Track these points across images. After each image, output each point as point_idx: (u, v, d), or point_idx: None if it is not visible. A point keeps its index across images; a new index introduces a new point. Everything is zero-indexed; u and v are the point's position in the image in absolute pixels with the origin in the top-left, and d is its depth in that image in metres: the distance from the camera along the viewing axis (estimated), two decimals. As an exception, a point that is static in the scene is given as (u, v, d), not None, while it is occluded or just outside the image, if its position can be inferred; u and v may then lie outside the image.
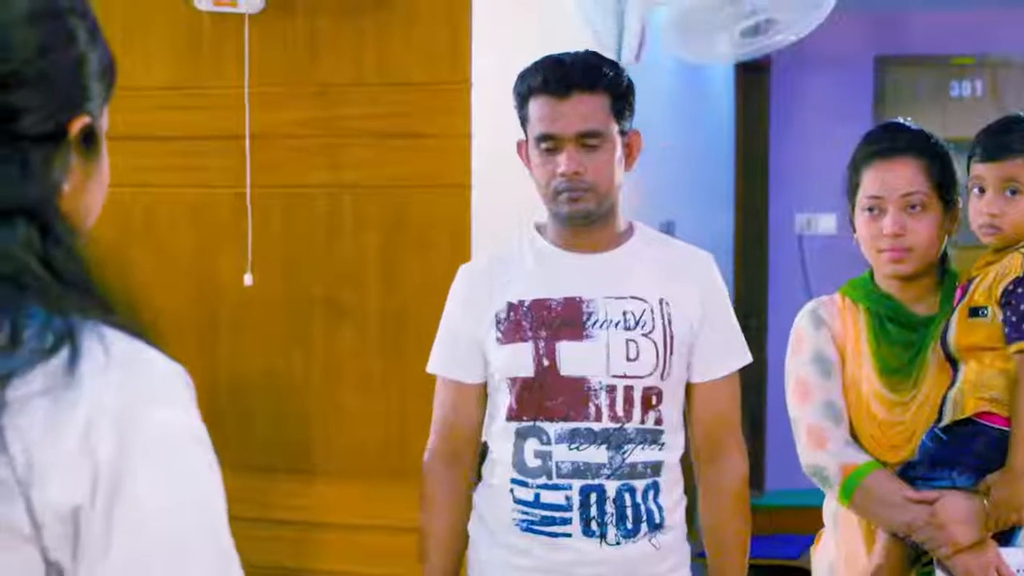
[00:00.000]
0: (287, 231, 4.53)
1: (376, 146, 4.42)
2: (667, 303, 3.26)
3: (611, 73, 3.25)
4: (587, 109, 3.19)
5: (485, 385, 3.37)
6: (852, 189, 3.35)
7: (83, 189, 1.66)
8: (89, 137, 1.66)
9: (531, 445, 3.25)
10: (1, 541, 1.49)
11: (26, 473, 1.48)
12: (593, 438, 3.21)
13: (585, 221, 3.26)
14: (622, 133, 3.26)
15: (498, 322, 3.29)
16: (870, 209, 3.28)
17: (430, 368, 3.44)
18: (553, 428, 3.22)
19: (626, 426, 3.22)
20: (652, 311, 3.25)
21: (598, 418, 3.21)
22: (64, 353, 1.52)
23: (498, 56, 4.38)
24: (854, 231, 3.37)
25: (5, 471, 1.48)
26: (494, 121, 4.34)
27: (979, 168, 3.20)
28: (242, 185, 4.50)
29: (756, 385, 7.66)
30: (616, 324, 3.23)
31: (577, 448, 3.20)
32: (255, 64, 4.48)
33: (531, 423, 3.25)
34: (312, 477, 4.53)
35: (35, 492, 1.49)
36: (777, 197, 8.97)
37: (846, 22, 6.82)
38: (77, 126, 1.64)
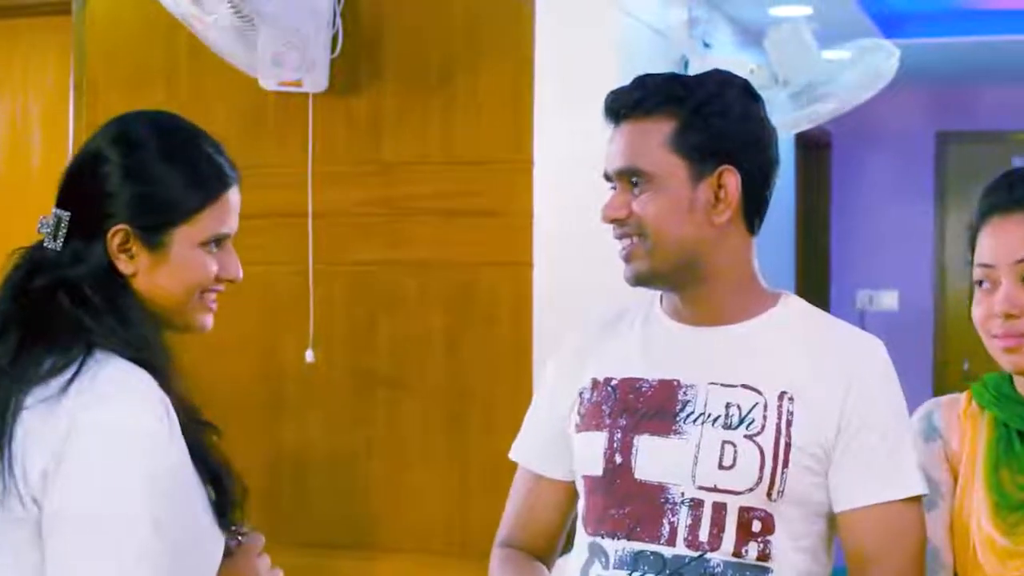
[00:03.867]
0: (349, 308, 4.55)
1: (439, 224, 4.44)
2: (791, 399, 2.44)
3: (681, 91, 2.49)
4: (632, 139, 2.50)
5: (573, 484, 2.66)
6: (969, 258, 2.56)
7: (150, 273, 2.21)
8: (147, 236, 2.20)
9: (593, 569, 2.51)
10: (10, 515, 2.04)
11: (20, 467, 2.03)
12: (661, 567, 2.42)
13: (650, 285, 2.56)
14: (699, 172, 2.48)
15: (580, 403, 2.61)
16: (980, 282, 2.50)
17: (512, 454, 2.82)
18: (614, 548, 2.47)
19: (709, 556, 2.40)
20: (766, 407, 2.43)
21: (671, 541, 2.42)
22: (68, 374, 2.06)
23: (561, 135, 4.40)
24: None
25: (7, 460, 2.03)
26: (557, 199, 4.36)
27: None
28: (305, 262, 4.52)
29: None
30: (715, 420, 2.45)
31: None
32: (319, 143, 4.52)
33: (594, 538, 2.52)
34: (375, 554, 4.51)
35: (21, 484, 2.02)
36: (839, 273, 8.95)
37: (907, 97, 6.83)
38: (110, 234, 2.17)
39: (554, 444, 2.65)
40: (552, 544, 2.73)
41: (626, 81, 2.58)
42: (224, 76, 4.48)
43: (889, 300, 8.69)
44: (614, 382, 2.55)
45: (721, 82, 2.53)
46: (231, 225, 2.28)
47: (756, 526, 2.41)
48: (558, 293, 4.36)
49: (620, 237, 2.52)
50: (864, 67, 4.79)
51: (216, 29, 4.21)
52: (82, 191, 2.20)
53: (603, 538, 2.48)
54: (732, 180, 2.47)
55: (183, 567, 2.12)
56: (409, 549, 4.47)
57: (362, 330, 4.54)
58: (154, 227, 2.20)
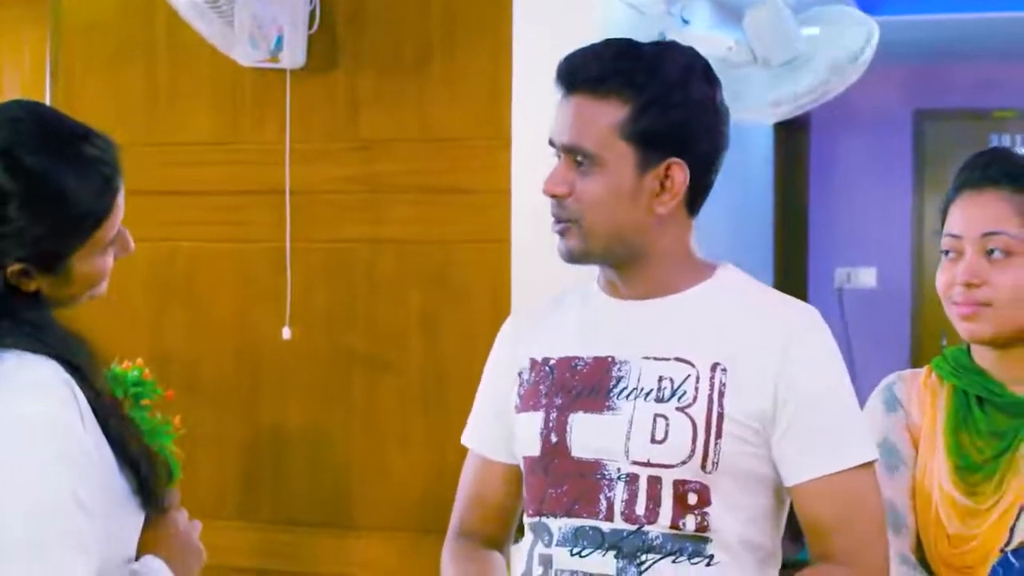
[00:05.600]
0: (326, 286, 4.54)
1: (416, 202, 4.43)
2: (724, 369, 2.38)
3: (639, 74, 2.38)
4: (582, 116, 2.40)
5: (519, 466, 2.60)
6: (942, 226, 2.67)
7: (54, 288, 2.18)
8: (46, 267, 2.15)
9: (537, 548, 2.48)
10: None
11: None
12: (600, 542, 2.39)
13: (584, 263, 2.49)
14: (647, 162, 2.39)
15: (520, 384, 2.56)
16: (946, 252, 2.61)
17: (463, 439, 2.77)
18: (556, 526, 2.43)
19: (647, 529, 2.37)
20: (698, 378, 2.37)
21: (609, 516, 2.39)
22: None
23: (539, 112, 4.39)
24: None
25: None
26: (535, 177, 4.33)
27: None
28: (282, 240, 4.51)
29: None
30: (647, 394, 2.39)
31: (580, 554, 2.41)
32: (296, 120, 4.51)
33: (537, 518, 2.48)
34: (351, 532, 4.52)
35: None
36: (816, 251, 8.95)
37: (884, 76, 6.82)
38: (8, 270, 2.12)
39: (498, 426, 2.61)
40: (505, 528, 2.66)
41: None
42: (202, 52, 4.47)
43: (867, 277, 8.70)
44: (552, 362, 2.51)
45: (682, 67, 2.42)
46: (122, 214, 2.22)
47: (692, 498, 2.36)
48: (536, 271, 4.35)
49: (556, 214, 2.44)
50: (843, 44, 4.78)
51: (193, 6, 4.19)
52: None
53: (545, 517, 2.45)
54: (680, 173, 2.39)
55: (107, 541, 2.11)
56: (386, 527, 4.48)
57: (339, 308, 4.54)
58: (53, 259, 2.15)
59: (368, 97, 4.49)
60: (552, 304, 2.63)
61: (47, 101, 4.87)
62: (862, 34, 4.80)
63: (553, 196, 2.42)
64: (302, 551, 4.52)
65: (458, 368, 4.34)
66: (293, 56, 4.39)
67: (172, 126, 4.69)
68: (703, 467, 2.35)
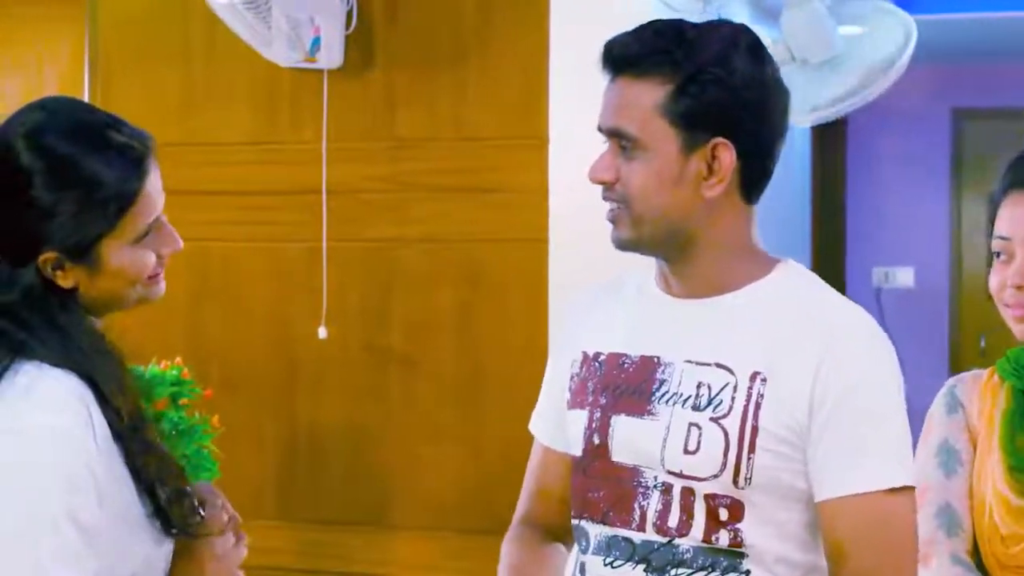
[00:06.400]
0: (362, 285, 4.55)
1: (452, 201, 4.43)
2: (763, 379, 2.25)
3: (678, 51, 2.27)
4: (624, 99, 2.30)
5: None
6: (990, 230, 2.59)
7: (90, 282, 2.16)
8: (77, 255, 2.13)
9: (577, 554, 2.42)
10: None
11: None
12: (631, 553, 2.31)
13: (635, 251, 2.39)
14: (691, 143, 2.27)
15: (572, 378, 2.47)
16: (997, 254, 2.54)
17: (530, 424, 2.66)
18: (593, 532, 2.36)
19: (678, 543, 2.27)
20: (736, 387, 2.26)
21: (641, 526, 2.30)
22: None
23: (577, 110, 4.38)
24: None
25: None
26: (573, 176, 4.34)
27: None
28: (318, 239, 4.52)
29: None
30: (685, 400, 2.28)
31: (611, 565, 2.33)
32: (333, 119, 4.51)
33: (577, 520, 2.41)
34: (388, 531, 4.52)
35: None
36: (854, 251, 8.92)
37: (922, 75, 6.79)
38: (40, 260, 2.12)
39: (557, 416, 2.50)
40: (567, 517, 2.48)
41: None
42: (239, 52, 4.48)
43: (905, 277, 8.66)
44: (602, 357, 2.41)
45: (726, 42, 2.29)
46: (158, 207, 2.20)
47: (723, 514, 2.24)
48: (574, 270, 4.35)
49: (606, 199, 2.34)
50: (882, 44, 4.75)
51: (230, 7, 4.20)
52: (5, 212, 2.14)
53: (584, 521, 2.37)
54: (726, 154, 2.27)
55: (116, 563, 2.10)
56: (422, 526, 4.48)
57: (375, 307, 4.54)
58: (83, 247, 2.15)
59: (405, 97, 4.49)
60: (609, 291, 2.52)
61: (85, 98, 4.89)
62: (901, 34, 4.77)
63: (599, 183, 2.33)
64: (340, 550, 4.53)
65: (494, 367, 4.34)
66: (330, 56, 4.39)
67: (209, 126, 4.70)
68: (735, 482, 2.23)
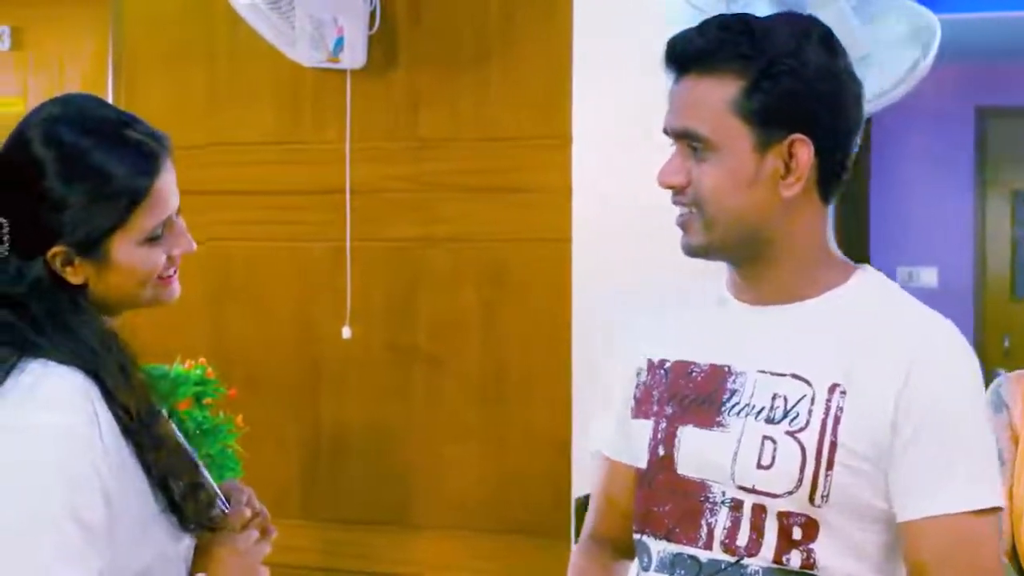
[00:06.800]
0: (386, 284, 4.55)
1: (475, 200, 4.43)
2: (843, 392, 2.13)
3: (748, 45, 2.16)
4: (692, 98, 2.18)
5: None
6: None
7: (100, 278, 2.15)
8: (86, 250, 2.12)
9: (638, 570, 2.31)
10: None
11: None
12: (696, 572, 2.20)
13: (706, 257, 2.27)
14: (766, 141, 2.16)
15: (636, 386, 2.36)
16: None
17: (592, 439, 2.59)
18: (656, 549, 2.25)
19: (747, 563, 2.16)
20: (813, 400, 2.13)
21: (708, 544, 2.18)
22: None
23: (600, 110, 4.38)
24: None
25: None
26: (597, 175, 4.34)
27: None
28: (342, 239, 4.52)
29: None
30: (758, 412, 2.17)
31: None
32: (356, 119, 4.52)
33: (639, 535, 2.30)
34: (411, 530, 4.52)
35: None
36: (878, 250, 8.90)
37: (946, 74, 6.77)
38: (49, 254, 2.11)
39: (620, 426, 2.38)
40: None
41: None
42: (262, 52, 4.48)
43: (928, 277, 8.64)
44: (667, 364, 2.29)
45: (797, 34, 2.19)
46: (171, 207, 2.19)
47: (797, 533, 2.12)
48: (598, 269, 4.35)
49: (676, 203, 2.21)
50: (907, 44, 4.74)
51: (253, 8, 4.21)
52: (16, 204, 2.15)
53: (646, 536, 2.26)
54: (804, 150, 2.15)
55: (128, 559, 2.10)
56: (445, 525, 4.48)
57: (399, 306, 4.54)
58: (91, 241, 2.13)
59: (427, 97, 4.49)
60: (677, 298, 2.41)
61: (109, 97, 4.90)
62: (926, 33, 4.76)
63: (669, 187, 2.20)
64: (363, 549, 4.53)
65: (517, 366, 4.33)
66: (353, 56, 4.39)
67: (233, 126, 4.71)
68: (811, 500, 2.11)
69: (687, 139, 2.17)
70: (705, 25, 2.20)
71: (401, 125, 4.52)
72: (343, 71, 4.48)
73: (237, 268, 4.70)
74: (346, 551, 4.55)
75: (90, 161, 2.12)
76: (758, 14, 2.24)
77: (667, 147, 2.27)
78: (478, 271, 4.45)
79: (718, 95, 2.14)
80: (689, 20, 4.61)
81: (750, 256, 2.22)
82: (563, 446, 4.17)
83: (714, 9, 4.61)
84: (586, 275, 4.29)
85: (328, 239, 4.58)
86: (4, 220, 2.14)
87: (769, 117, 2.14)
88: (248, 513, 2.31)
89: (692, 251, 2.22)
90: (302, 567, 4.44)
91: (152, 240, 2.18)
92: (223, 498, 2.33)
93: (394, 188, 4.52)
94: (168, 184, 2.19)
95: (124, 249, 2.16)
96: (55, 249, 2.12)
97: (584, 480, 4.15)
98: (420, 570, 4.52)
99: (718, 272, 2.31)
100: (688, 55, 2.17)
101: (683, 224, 2.21)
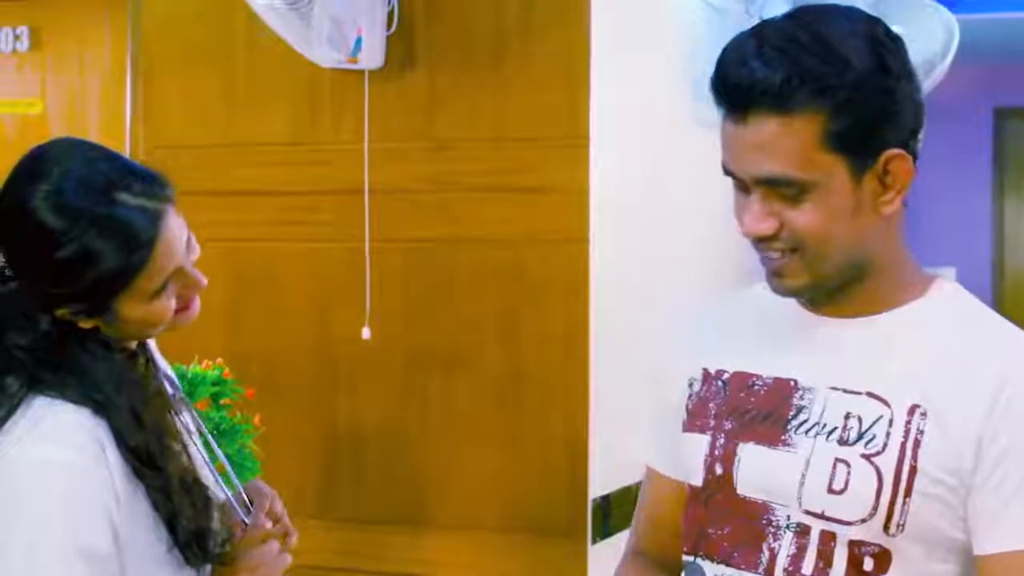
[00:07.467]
0: (405, 285, 4.54)
1: (493, 201, 4.43)
2: (923, 414, 1.99)
3: (824, 69, 1.95)
4: (775, 140, 1.97)
5: None
6: None
7: (112, 328, 2.18)
8: (91, 313, 2.15)
9: None
10: None
11: None
12: None
13: (808, 296, 2.13)
14: (862, 165, 2.01)
15: (689, 397, 2.24)
16: None
17: (642, 452, 2.43)
18: (711, 572, 2.13)
19: None
20: (891, 422, 2.00)
21: (770, 570, 2.05)
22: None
23: (618, 110, 4.38)
24: None
25: None
26: (615, 176, 4.33)
27: None
28: (360, 240, 4.52)
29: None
30: (830, 432, 2.03)
31: None
32: (374, 119, 4.52)
33: (692, 557, 2.18)
34: (429, 531, 4.52)
35: None
36: (895, 250, 8.90)
37: (964, 74, 6.76)
38: (58, 313, 2.14)
39: (667, 439, 2.28)
40: (680, 547, 2.26)
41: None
42: (280, 53, 4.48)
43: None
44: (725, 376, 2.17)
45: (867, 40, 2.00)
46: (175, 260, 2.16)
47: (868, 564, 1.98)
48: (616, 271, 4.35)
49: (768, 250, 2.06)
50: (925, 44, 4.73)
51: (270, 7, 4.21)
52: (19, 260, 2.14)
53: (700, 559, 2.14)
54: (901, 164, 2.03)
55: None
56: (462, 526, 4.47)
57: (418, 308, 4.54)
58: (95, 308, 2.15)
59: (445, 96, 4.48)
60: (734, 301, 2.30)
61: (127, 101, 4.91)
62: (944, 33, 4.75)
63: (760, 239, 2.05)
64: (379, 550, 4.53)
65: (535, 367, 4.33)
66: (371, 57, 4.39)
67: (250, 127, 4.71)
68: (886, 528, 1.98)
69: (776, 185, 2.00)
70: (758, 52, 1.99)
71: (419, 125, 4.52)
72: (361, 71, 4.48)
73: (255, 269, 4.70)
74: (362, 551, 4.54)
75: (77, 248, 2.10)
76: (775, 14, 2.17)
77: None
78: (496, 272, 4.44)
79: (804, 133, 1.97)
80: (707, 19, 4.63)
81: (850, 279, 2.10)
82: (580, 447, 4.16)
83: (732, 10, 4.61)
84: (603, 276, 4.28)
85: (346, 240, 4.57)
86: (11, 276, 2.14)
87: (864, 142, 2.00)
88: (268, 525, 2.31)
89: (791, 293, 2.12)
90: (317, 567, 4.43)
91: (160, 291, 2.18)
92: (247, 499, 2.33)
93: (412, 189, 4.52)
94: (170, 241, 2.16)
95: (131, 307, 2.17)
96: (61, 311, 2.15)
97: (600, 481, 4.15)
98: (436, 570, 4.51)
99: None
100: (754, 93, 1.97)
101: (778, 269, 2.07)
